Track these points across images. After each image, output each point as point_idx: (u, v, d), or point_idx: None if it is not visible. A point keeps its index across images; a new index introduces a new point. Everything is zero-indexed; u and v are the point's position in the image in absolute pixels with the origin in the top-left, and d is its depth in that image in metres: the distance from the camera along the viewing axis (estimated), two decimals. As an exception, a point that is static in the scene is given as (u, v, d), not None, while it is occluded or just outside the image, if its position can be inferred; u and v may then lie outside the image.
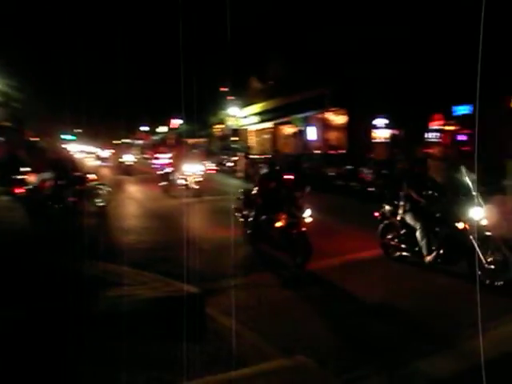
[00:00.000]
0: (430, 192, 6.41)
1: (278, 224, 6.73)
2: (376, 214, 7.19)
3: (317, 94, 20.29)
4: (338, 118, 21.73)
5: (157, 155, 30.21)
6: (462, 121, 16.00)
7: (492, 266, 5.43)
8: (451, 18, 14.31)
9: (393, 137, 18.84)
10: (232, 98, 31.29)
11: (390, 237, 6.87)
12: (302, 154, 21.24)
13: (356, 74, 18.13)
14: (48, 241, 6.60)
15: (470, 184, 5.87)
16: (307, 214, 6.60)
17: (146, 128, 54.41)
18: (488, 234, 5.57)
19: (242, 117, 30.97)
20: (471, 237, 5.55)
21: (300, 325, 4.65)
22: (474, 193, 5.78)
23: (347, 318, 4.83)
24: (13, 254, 6.18)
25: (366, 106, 18.14)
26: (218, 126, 37.65)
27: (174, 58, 35.73)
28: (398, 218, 6.69)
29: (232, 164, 23.46)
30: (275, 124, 27.68)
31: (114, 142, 48.81)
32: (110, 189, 12.11)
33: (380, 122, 18.99)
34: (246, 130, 32.46)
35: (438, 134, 17.13)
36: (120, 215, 11.43)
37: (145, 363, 3.70)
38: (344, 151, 19.25)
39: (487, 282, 5.39)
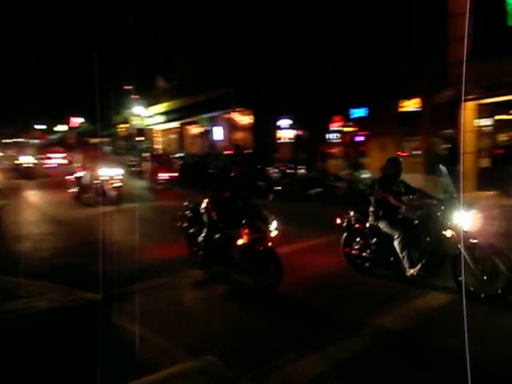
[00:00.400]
0: (408, 196, 5.84)
1: (240, 242, 5.62)
2: (338, 220, 6.38)
3: (222, 94, 20.46)
4: (244, 119, 22.12)
5: (49, 155, 28.51)
6: (359, 122, 17.19)
7: (485, 277, 4.87)
8: (351, 27, 15.30)
9: (297, 137, 19.67)
10: (137, 96, 30.37)
11: (357, 246, 6.12)
12: (208, 154, 21.25)
13: (261, 75, 18.59)
14: None
15: (451, 185, 5.46)
16: (274, 227, 5.61)
17: (43, 126, 50.70)
18: (474, 241, 5.01)
19: (148, 116, 30.22)
20: (459, 245, 5.00)
21: (208, 326, 4.64)
22: (455, 195, 5.37)
23: (252, 317, 4.92)
24: None
25: (271, 106, 18.67)
26: (122, 126, 36.30)
27: (76, 53, 33.78)
28: (368, 225, 5.96)
29: (136, 165, 22.60)
30: (182, 124, 27.40)
31: (4, 141, 44.81)
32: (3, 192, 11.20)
33: (285, 122, 19.73)
34: (151, 129, 31.70)
35: (338, 135, 18.24)
36: (16, 225, 10.46)
37: (45, 379, 3.47)
38: (250, 151, 19.62)
39: (482, 294, 4.87)
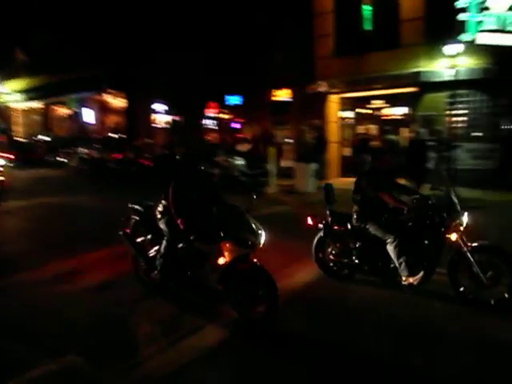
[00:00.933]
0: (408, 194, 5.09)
1: (222, 260, 4.30)
2: (310, 221, 5.46)
3: (92, 75, 19.18)
4: (117, 101, 21.06)
5: None
6: (234, 110, 17.55)
7: (489, 282, 4.43)
8: (226, 15, 15.42)
9: (172, 122, 19.37)
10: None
11: (334, 251, 5.33)
12: (77, 137, 19.86)
13: (134, 57, 17.83)
14: None
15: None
16: (263, 239, 4.29)
17: None
18: (475, 244, 4.58)
19: (5, 93, 26.98)
20: (465, 249, 4.51)
21: (71, 326, 4.35)
22: (451, 193, 4.84)
23: (115, 311, 4.74)
24: None
25: (145, 90, 18.09)
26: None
27: None
28: (350, 227, 5.15)
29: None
30: (47, 104, 25.04)
31: None
32: None
33: (160, 107, 19.26)
34: (8, 108, 28.35)
35: (214, 122, 18.42)
36: None
37: None
38: (124, 136, 18.83)
39: (492, 301, 4.45)
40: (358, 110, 15.08)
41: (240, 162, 12.56)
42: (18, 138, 22.61)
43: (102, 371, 3.44)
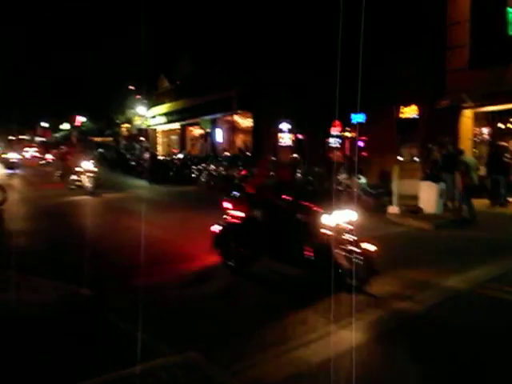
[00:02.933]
0: None
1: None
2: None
3: (224, 96, 20.60)
4: (245, 121, 22.26)
5: (26, 149, 34.12)
6: (358, 128, 17.29)
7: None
8: (350, 32, 15.41)
9: (297, 141, 19.77)
10: (140, 96, 30.58)
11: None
12: (208, 155, 21.38)
13: (262, 78, 18.72)
14: None
15: None
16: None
17: (47, 124, 51.02)
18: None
19: (150, 117, 30.38)
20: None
21: (196, 324, 4.74)
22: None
23: (241, 315, 5.02)
24: None
25: (271, 110, 18.80)
26: (125, 125, 36.50)
27: (80, 51, 33.95)
28: None
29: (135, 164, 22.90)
30: (183, 125, 27.53)
31: (10, 137, 45.17)
32: (4, 188, 11.47)
33: (284, 126, 19.84)
34: (153, 130, 31.86)
35: (338, 140, 18.33)
36: (14, 216, 10.69)
37: (32, 369, 3.57)
38: (249, 153, 19.73)
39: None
40: (498, 125, 13.76)
41: (363, 180, 12.33)
42: (159, 157, 25.15)
43: (220, 370, 3.65)
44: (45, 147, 32.49)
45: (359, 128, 17.16)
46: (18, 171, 21.70)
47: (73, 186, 15.27)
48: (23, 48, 38.19)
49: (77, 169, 15.14)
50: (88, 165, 14.98)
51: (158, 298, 5.42)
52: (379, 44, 14.59)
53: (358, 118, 16.95)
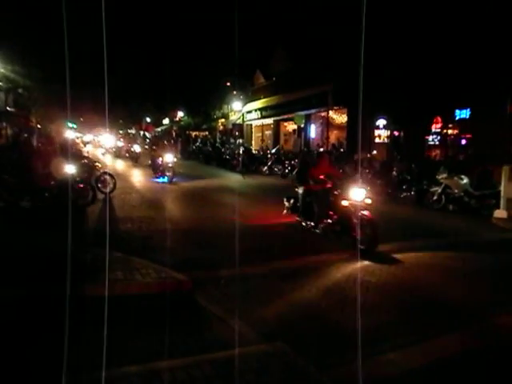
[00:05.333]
0: None
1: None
2: None
3: (319, 92, 20.38)
4: (340, 117, 21.86)
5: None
6: (461, 124, 16.15)
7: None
8: (455, 23, 14.42)
9: (393, 138, 19.00)
10: (236, 92, 31.45)
11: None
12: (301, 151, 21.35)
13: (360, 73, 18.20)
14: (50, 226, 6.74)
15: None
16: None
17: (148, 119, 54.57)
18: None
19: (245, 112, 31.10)
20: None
21: (286, 314, 4.80)
22: None
23: (333, 309, 4.98)
24: (13, 236, 6.38)
25: (368, 105, 18.22)
26: (221, 120, 37.79)
27: (181, 50, 35.79)
28: None
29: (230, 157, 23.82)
30: (276, 120, 27.78)
31: (121, 131, 49.05)
32: (114, 177, 12.44)
33: (381, 122, 19.15)
34: (247, 125, 32.58)
35: (437, 137, 17.29)
36: (122, 203, 11.65)
37: (131, 346, 3.87)
38: (342, 150, 19.37)
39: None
40: None
41: (465, 180, 11.50)
42: (253, 151, 25.67)
43: (308, 362, 3.66)
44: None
45: (463, 125, 16.03)
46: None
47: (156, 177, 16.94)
48: (133, 51, 41.16)
49: (164, 160, 16.53)
50: (169, 157, 16.38)
51: (249, 287, 5.57)
52: (488, 26, 13.41)
53: (462, 113, 15.85)
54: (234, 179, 18.69)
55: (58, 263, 4.81)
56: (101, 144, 35.66)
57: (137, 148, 26.31)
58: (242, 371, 3.34)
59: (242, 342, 3.96)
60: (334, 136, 22.38)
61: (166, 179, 16.24)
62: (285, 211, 9.13)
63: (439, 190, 11.68)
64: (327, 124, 22.33)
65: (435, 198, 11.70)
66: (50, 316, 4.07)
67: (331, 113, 21.91)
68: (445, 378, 3.61)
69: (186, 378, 3.25)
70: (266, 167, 20.76)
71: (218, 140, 34.38)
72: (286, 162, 19.57)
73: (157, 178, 16.81)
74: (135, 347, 3.84)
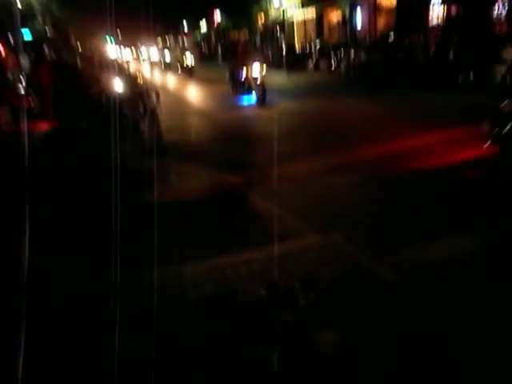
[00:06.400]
0: None
1: None
2: None
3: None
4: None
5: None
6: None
7: None
8: None
9: (449, 16, 17.08)
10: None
11: None
12: (346, 42, 19.98)
13: None
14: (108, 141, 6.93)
15: None
16: None
17: (185, 26, 52.44)
18: None
19: (285, 7, 28.99)
20: None
21: (340, 209, 4.83)
22: None
23: (393, 206, 4.94)
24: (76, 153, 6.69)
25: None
26: (260, 18, 35.62)
27: None
28: None
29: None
30: (319, 13, 25.76)
31: (159, 41, 47.48)
32: (157, 91, 12.37)
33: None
34: (289, 22, 30.52)
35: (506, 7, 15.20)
36: (174, 115, 11.71)
37: (190, 245, 4.08)
38: (392, 36, 17.80)
39: None
40: None
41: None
42: (296, 47, 24.33)
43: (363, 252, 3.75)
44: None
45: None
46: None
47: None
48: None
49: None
50: (256, 68, 12.30)
51: (307, 185, 5.62)
52: None
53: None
54: (278, 77, 18.02)
55: (114, 175, 5.01)
56: (144, 57, 34.33)
57: (189, 57, 22.38)
58: (299, 262, 3.49)
59: (297, 236, 4.09)
60: (382, 23, 20.57)
61: (252, 98, 12.04)
62: None
63: (503, 70, 10.71)
64: (375, 9, 20.44)
65: (499, 79, 10.76)
66: (114, 221, 4.31)
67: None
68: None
69: (246, 271, 3.45)
70: (311, 64, 19.82)
71: (257, 39, 32.81)
72: (332, 56, 18.53)
73: (239, 95, 12.60)
74: (193, 247, 4.00)
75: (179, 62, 23.77)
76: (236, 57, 12.88)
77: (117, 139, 5.90)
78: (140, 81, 12.39)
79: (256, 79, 11.68)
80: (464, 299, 3.01)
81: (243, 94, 12.21)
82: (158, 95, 12.24)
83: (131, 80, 11.81)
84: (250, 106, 11.87)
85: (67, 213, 4.54)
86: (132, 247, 3.47)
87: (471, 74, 11.78)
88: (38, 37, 20.82)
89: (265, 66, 12.00)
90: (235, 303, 3.00)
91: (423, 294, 3.11)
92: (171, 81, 22.55)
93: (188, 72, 21.66)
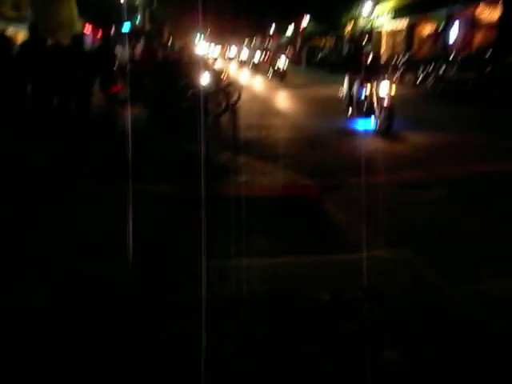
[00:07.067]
0: None
1: None
2: None
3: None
4: (490, 14, 18.73)
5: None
6: None
7: None
8: None
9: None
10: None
11: None
12: (438, 56, 19.10)
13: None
14: (184, 131, 7.22)
15: None
16: None
17: (272, 29, 53.11)
18: None
19: (375, 17, 28.43)
20: None
21: (411, 225, 4.67)
22: None
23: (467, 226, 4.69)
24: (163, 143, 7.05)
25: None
26: (348, 28, 35.22)
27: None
28: None
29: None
30: (410, 24, 24.95)
31: (245, 42, 48.56)
32: (239, 88, 12.63)
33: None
34: (377, 32, 29.86)
35: None
36: (249, 113, 11.90)
37: (259, 243, 4.10)
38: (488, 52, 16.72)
39: None
40: None
41: None
42: (381, 60, 23.60)
43: (432, 272, 3.59)
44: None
45: None
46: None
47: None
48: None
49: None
50: (385, 87, 9.75)
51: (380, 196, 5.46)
52: None
53: None
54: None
55: (196, 165, 5.20)
56: (233, 57, 34.78)
57: (283, 61, 21.05)
58: (368, 273, 3.39)
59: (369, 248, 3.99)
60: (480, 38, 19.47)
61: (371, 125, 9.46)
62: None
63: None
64: (473, 24, 19.41)
65: None
66: (188, 212, 4.46)
67: (480, 9, 18.86)
68: None
69: (313, 274, 3.41)
70: (395, 76, 19.21)
71: (345, 49, 32.39)
72: (420, 71, 17.84)
73: (354, 117, 10.13)
74: (263, 243, 4.04)
75: (271, 63, 22.56)
76: (359, 69, 10.31)
77: (198, 131, 6.16)
78: (224, 78, 12.77)
79: (383, 100, 9.07)
80: None
81: (360, 116, 9.74)
82: (239, 94, 12.57)
83: (216, 76, 12.20)
84: (367, 133, 9.21)
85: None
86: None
87: None
88: (135, 30, 22.15)
89: (394, 86, 9.41)
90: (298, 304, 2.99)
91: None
92: (261, 84, 21.45)
93: (280, 75, 20.36)
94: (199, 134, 6.08)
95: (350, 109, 10.20)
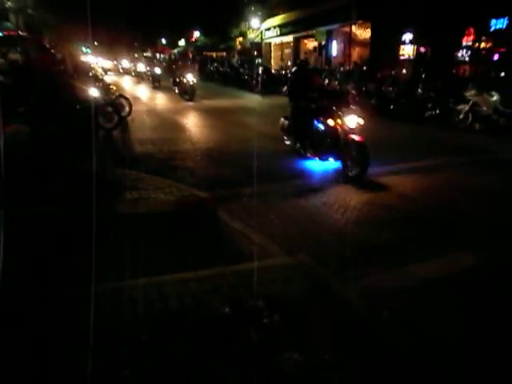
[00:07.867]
0: None
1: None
2: None
3: (342, 4, 19.10)
4: (364, 32, 20.64)
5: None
6: (496, 36, 15.09)
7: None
8: None
9: (419, 54, 17.98)
10: (254, 8, 29.77)
11: None
12: (322, 70, 20.50)
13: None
14: (77, 149, 6.78)
15: None
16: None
17: (164, 41, 52.79)
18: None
19: (264, 29, 29.63)
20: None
21: (307, 230, 4.89)
22: None
23: (356, 225, 5.05)
24: (42, 158, 6.50)
25: (392, 18, 17.10)
26: (238, 39, 36.22)
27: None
28: None
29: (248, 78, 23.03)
30: (296, 38, 26.47)
31: (136, 55, 47.48)
32: (129, 100, 12.25)
33: (407, 37, 18.06)
34: (266, 43, 31.17)
35: (467, 52, 16.30)
36: (140, 125, 11.68)
37: (156, 259, 4.00)
38: (364, 68, 18.45)
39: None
40: None
41: (495, 97, 10.96)
42: (272, 71, 24.71)
43: (330, 274, 3.78)
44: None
45: (498, 36, 15.00)
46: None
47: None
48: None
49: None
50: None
51: (269, 204, 5.65)
52: None
53: (498, 23, 14.77)
54: (253, 100, 18.32)
55: (85, 183, 4.92)
56: (122, 69, 34.56)
57: (158, 70, 24.61)
58: (266, 281, 3.47)
59: (265, 256, 4.09)
60: (356, 53, 21.31)
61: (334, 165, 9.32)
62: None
63: (466, 108, 11.22)
64: (349, 40, 21.17)
65: (461, 116, 11.28)
66: (78, 231, 4.20)
67: (354, 28, 20.69)
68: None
69: (211, 287, 3.39)
70: (285, 87, 20.12)
71: (235, 60, 33.18)
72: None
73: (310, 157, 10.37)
74: (160, 260, 3.92)
75: (175, 77, 18.96)
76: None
77: (87, 146, 5.83)
78: (113, 90, 12.29)
79: (352, 132, 6.90)
80: None
81: (320, 154, 7.43)
82: (130, 107, 12.18)
83: (106, 89, 11.68)
84: (338, 183, 6.65)
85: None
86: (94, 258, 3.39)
87: (437, 109, 12.24)
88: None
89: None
90: (198, 319, 2.96)
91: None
92: (140, 89, 23.30)
93: (187, 92, 17.33)
94: (88, 150, 5.76)
95: (301, 144, 7.95)
